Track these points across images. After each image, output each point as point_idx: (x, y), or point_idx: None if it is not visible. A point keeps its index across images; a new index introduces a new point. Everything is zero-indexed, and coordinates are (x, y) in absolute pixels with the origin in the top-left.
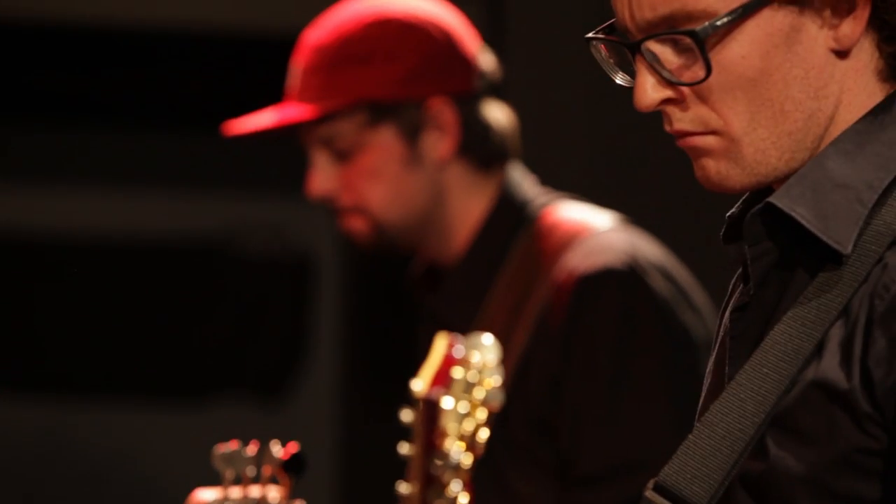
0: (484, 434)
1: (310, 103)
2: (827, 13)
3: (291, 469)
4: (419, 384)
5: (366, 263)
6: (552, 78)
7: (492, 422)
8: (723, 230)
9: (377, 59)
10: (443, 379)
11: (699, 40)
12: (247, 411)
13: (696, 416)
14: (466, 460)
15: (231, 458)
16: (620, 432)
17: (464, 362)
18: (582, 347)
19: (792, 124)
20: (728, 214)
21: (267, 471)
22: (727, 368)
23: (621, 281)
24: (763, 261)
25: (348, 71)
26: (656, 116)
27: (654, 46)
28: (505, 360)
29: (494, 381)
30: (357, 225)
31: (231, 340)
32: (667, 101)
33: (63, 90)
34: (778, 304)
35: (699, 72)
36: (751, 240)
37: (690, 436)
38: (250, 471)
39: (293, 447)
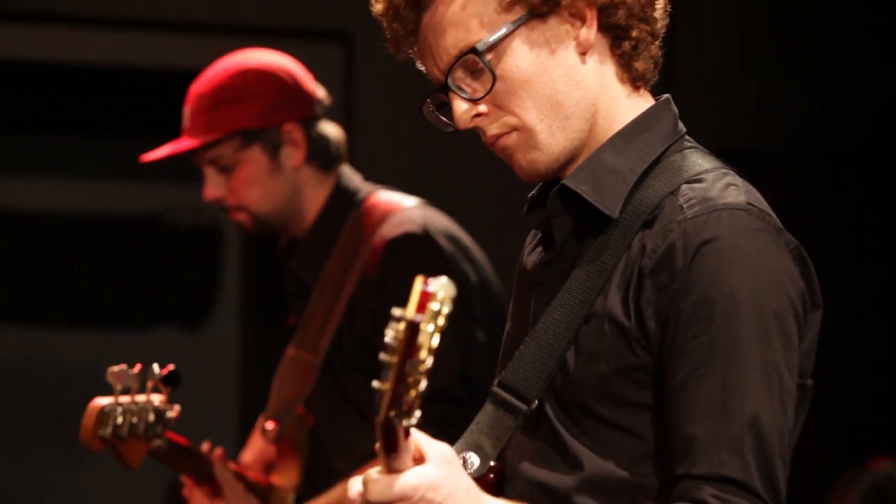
0: (435, 346)
1: (197, 137)
2: (569, 25)
3: (169, 382)
4: (409, 311)
5: (259, 236)
6: (389, 106)
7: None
8: (526, 207)
9: (244, 100)
10: (424, 307)
11: (479, 53)
12: (174, 336)
13: (503, 341)
14: (429, 365)
15: (120, 375)
16: None
17: (433, 295)
18: (391, 290)
19: (567, 109)
20: (529, 196)
21: (150, 384)
22: (533, 304)
23: (417, 241)
24: (564, 228)
25: (223, 110)
26: (456, 148)
27: (458, 79)
28: (339, 302)
29: (448, 308)
30: (241, 217)
31: (165, 285)
32: (476, 116)
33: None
34: (575, 259)
35: (488, 82)
36: (553, 212)
37: (522, 348)
38: (136, 384)
39: (171, 366)
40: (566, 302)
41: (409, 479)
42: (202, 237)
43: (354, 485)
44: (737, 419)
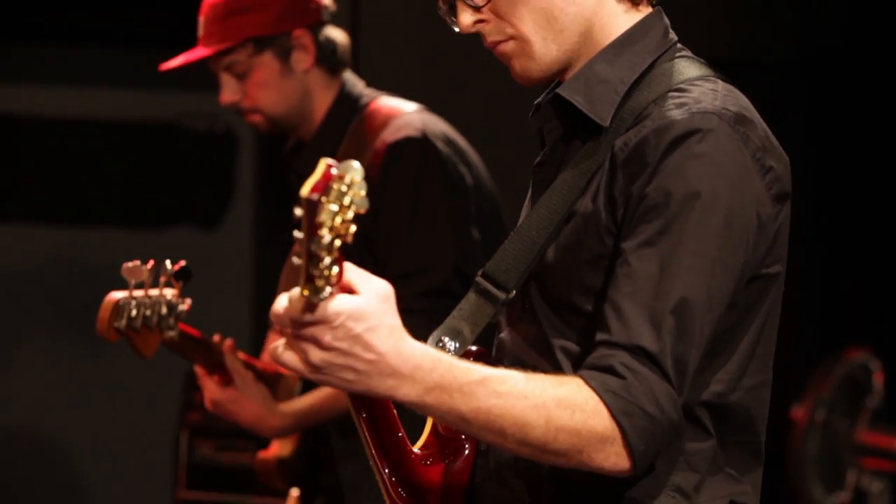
0: (352, 228)
1: (211, 45)
2: None
3: (181, 277)
4: (305, 189)
5: (270, 138)
6: (392, 18)
7: (357, 219)
8: (531, 113)
9: (255, 8)
10: (322, 187)
11: None
12: (191, 236)
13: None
14: (336, 243)
15: (134, 271)
16: (415, 246)
17: (338, 177)
18: (391, 190)
19: (561, 23)
20: (535, 102)
21: (163, 280)
22: (531, 202)
23: (416, 145)
24: (554, 133)
25: (235, 19)
26: (459, 53)
27: None
28: None
29: (361, 190)
30: (256, 119)
31: (182, 187)
32: (478, 22)
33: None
34: (562, 161)
35: None
36: (545, 119)
37: (506, 242)
38: (149, 279)
39: (182, 262)
40: (550, 201)
41: (334, 304)
42: (217, 141)
43: (280, 300)
44: (664, 299)
